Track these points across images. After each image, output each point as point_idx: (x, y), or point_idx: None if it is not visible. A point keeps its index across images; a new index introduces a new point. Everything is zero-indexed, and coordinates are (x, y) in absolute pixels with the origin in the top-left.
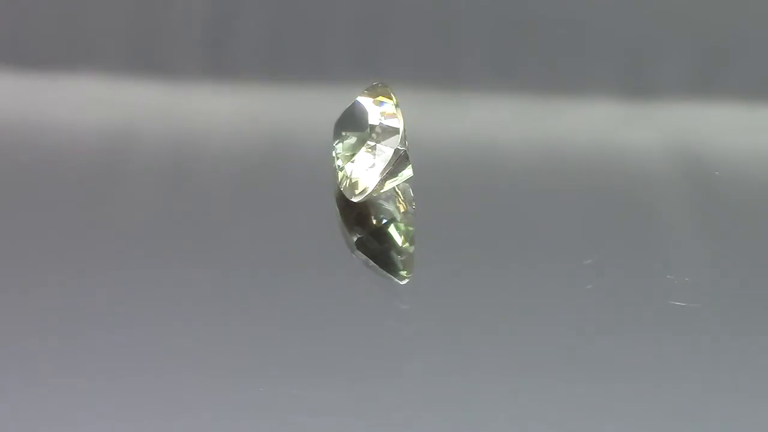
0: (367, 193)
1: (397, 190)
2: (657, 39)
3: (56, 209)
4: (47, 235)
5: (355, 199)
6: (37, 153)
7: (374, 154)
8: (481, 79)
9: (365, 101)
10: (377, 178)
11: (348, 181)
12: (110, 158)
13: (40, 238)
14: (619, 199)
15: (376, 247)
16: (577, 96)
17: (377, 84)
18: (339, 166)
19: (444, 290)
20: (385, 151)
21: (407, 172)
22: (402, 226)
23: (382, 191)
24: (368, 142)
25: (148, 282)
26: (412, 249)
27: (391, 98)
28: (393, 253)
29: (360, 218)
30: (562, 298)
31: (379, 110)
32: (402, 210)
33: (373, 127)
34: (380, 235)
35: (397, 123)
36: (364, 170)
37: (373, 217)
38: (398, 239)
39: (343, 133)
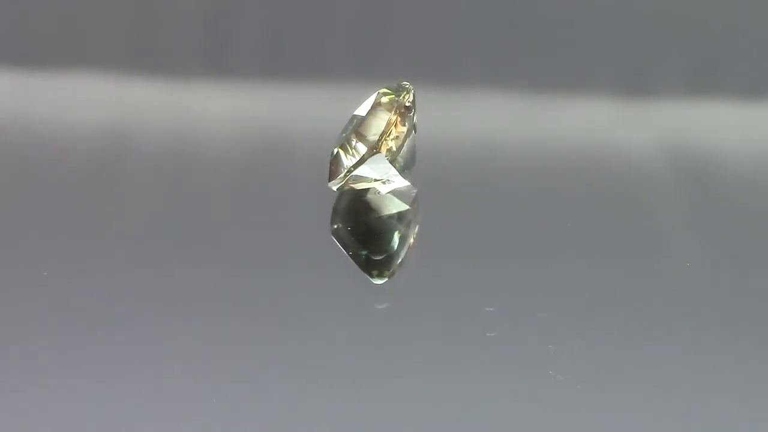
0: (338, 184)
1: (392, 190)
2: (654, 37)
3: (54, 208)
4: (46, 234)
5: (331, 186)
6: (35, 152)
7: (353, 148)
8: (478, 78)
9: (373, 97)
10: (345, 172)
11: (330, 167)
12: (109, 157)
13: (40, 237)
14: (615, 197)
15: (350, 240)
16: (574, 94)
17: (401, 84)
18: (333, 150)
19: (441, 290)
20: (360, 147)
21: (388, 172)
22: (389, 226)
23: (358, 186)
24: (353, 135)
25: (147, 281)
26: (393, 250)
27: (393, 99)
28: (368, 251)
29: (348, 209)
30: (559, 297)
31: (375, 108)
32: (392, 211)
33: (362, 126)
34: (361, 229)
35: (381, 124)
36: (343, 161)
37: (361, 211)
38: (380, 238)
39: (351, 123)
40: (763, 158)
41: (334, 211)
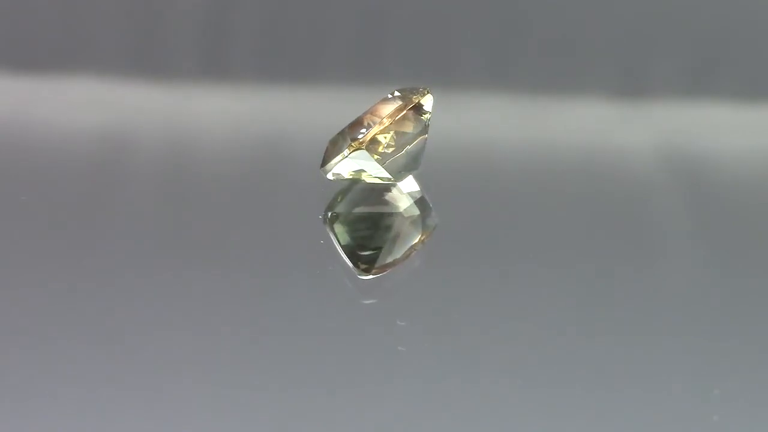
0: (328, 172)
1: (396, 189)
2: (651, 39)
3: (53, 211)
4: (44, 236)
5: (322, 173)
6: (34, 154)
7: (345, 140)
8: (475, 79)
9: (390, 96)
10: (333, 161)
11: (324, 154)
12: (107, 160)
13: (38, 239)
14: (613, 199)
15: (340, 230)
16: (571, 96)
17: (417, 88)
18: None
19: (440, 290)
20: (345, 142)
21: (372, 169)
22: (381, 223)
23: (346, 178)
24: (348, 127)
25: (146, 282)
26: (381, 247)
27: (395, 98)
28: (357, 244)
29: (346, 202)
30: (556, 299)
31: (377, 104)
32: (388, 210)
33: (359, 120)
34: (353, 223)
35: (375, 120)
36: (335, 151)
37: (357, 206)
38: (371, 234)
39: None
40: (761, 160)
41: (333, 201)
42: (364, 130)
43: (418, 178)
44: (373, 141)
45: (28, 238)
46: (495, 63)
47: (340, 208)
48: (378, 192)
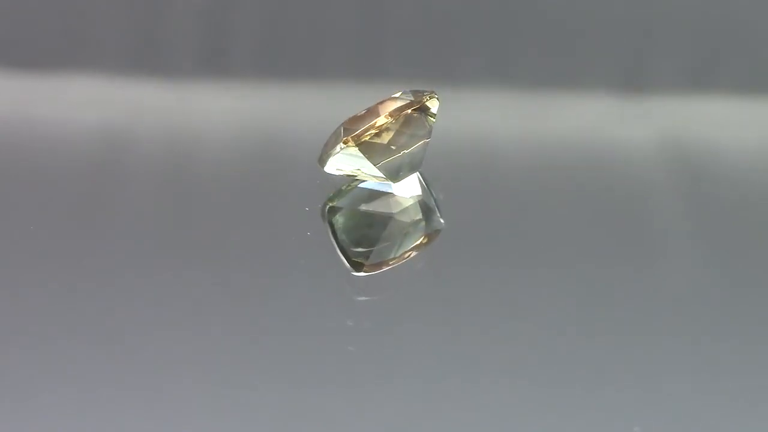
0: (323, 166)
1: (397, 190)
2: (653, 35)
3: (53, 209)
4: (44, 236)
5: (319, 166)
6: (34, 153)
7: (341, 137)
8: (475, 75)
9: (395, 96)
10: (329, 157)
11: (323, 149)
12: (107, 158)
13: (38, 237)
14: (615, 196)
15: (337, 226)
16: (573, 93)
17: (425, 91)
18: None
19: (441, 290)
20: (341, 138)
21: (363, 167)
22: (383, 223)
23: (343, 174)
24: (344, 124)
25: (145, 281)
26: (376, 246)
27: (399, 102)
28: (352, 241)
29: (348, 197)
30: (556, 299)
31: (377, 104)
32: (394, 210)
33: (359, 116)
34: (352, 218)
35: (370, 119)
36: (331, 146)
37: (360, 202)
38: (369, 232)
39: None
40: (761, 154)
41: (333, 197)
42: (360, 128)
43: (422, 180)
44: (371, 139)
45: (28, 238)
46: (496, 60)
47: (339, 204)
48: (381, 191)
